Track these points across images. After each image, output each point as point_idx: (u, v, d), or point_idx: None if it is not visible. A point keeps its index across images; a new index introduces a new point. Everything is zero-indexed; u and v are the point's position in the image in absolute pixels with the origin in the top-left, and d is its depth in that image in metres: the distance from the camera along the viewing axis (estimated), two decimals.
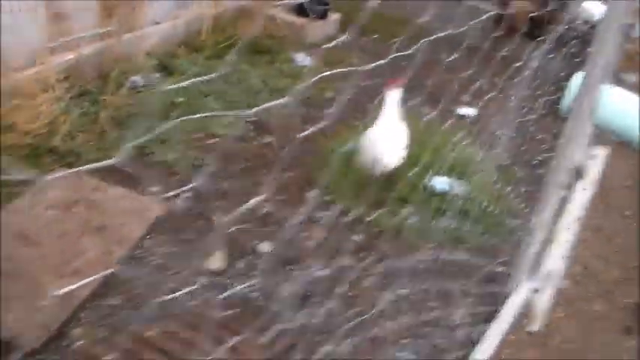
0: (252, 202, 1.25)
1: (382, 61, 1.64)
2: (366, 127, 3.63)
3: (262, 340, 2.55)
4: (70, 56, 4.03)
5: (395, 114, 3.58)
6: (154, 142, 3.61)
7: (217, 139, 3.92)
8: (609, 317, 3.21)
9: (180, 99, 4.13)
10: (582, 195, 3.25)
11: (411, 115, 3.68)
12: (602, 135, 4.33)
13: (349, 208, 3.33)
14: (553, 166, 2.67)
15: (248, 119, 4.11)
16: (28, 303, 2.58)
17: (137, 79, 4.22)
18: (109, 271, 2.71)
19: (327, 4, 6.02)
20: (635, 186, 4.49)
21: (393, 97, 3.55)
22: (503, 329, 2.72)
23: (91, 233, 3.02)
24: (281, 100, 1.22)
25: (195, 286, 2.71)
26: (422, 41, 1.87)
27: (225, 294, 2.75)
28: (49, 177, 1.03)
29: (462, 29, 2.36)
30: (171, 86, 4.03)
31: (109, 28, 4.25)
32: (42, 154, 3.42)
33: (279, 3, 5.65)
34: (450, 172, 3.68)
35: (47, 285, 2.69)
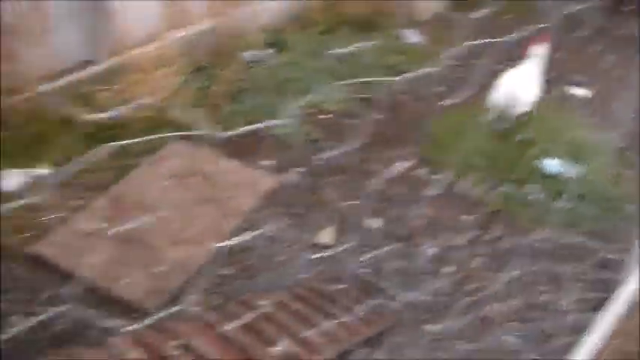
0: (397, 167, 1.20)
1: (520, 34, 1.57)
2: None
3: (370, 315, 2.52)
4: (187, 33, 4.13)
5: (536, 65, 3.67)
6: (268, 117, 3.62)
7: (330, 115, 3.90)
8: None
9: (292, 74, 4.13)
10: None
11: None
12: None
13: (464, 186, 3.22)
14: None
15: (360, 96, 4.04)
16: (147, 268, 2.68)
17: (250, 54, 4.26)
18: (225, 243, 2.75)
19: None
20: None
21: (538, 51, 3.65)
22: (613, 319, 2.58)
23: (204, 204, 3.09)
24: (426, 70, 1.16)
25: (306, 259, 2.71)
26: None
27: (334, 269, 2.74)
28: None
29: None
30: (282, 61, 4.03)
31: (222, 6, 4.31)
32: (160, 126, 3.51)
33: None
34: (563, 154, 3.58)
35: (164, 252, 2.78)
